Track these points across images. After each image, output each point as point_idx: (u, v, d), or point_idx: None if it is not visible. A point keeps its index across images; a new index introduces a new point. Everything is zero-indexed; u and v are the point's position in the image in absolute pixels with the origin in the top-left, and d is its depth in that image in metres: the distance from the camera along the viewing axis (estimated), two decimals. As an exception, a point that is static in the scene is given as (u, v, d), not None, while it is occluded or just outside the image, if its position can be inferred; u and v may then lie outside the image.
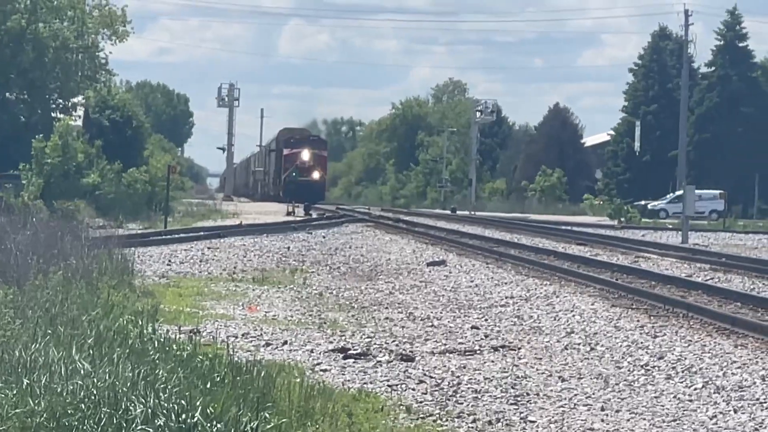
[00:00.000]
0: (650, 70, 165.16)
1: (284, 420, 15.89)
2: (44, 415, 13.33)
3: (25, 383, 14.62)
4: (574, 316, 36.24)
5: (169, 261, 51.01)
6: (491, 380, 25.38)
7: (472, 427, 20.94)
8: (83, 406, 13.87)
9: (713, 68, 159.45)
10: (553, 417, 21.84)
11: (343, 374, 25.49)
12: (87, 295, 28.08)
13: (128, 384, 14.92)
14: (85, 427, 13.24)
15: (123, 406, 14.08)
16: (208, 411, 14.26)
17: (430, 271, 51.18)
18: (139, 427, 13.59)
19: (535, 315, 36.49)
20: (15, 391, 14.07)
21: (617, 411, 22.55)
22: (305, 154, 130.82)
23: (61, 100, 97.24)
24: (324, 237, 74.02)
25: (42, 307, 23.52)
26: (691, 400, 23.49)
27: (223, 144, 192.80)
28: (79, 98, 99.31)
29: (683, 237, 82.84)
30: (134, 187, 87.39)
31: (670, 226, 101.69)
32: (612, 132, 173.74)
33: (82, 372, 15.40)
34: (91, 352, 17.87)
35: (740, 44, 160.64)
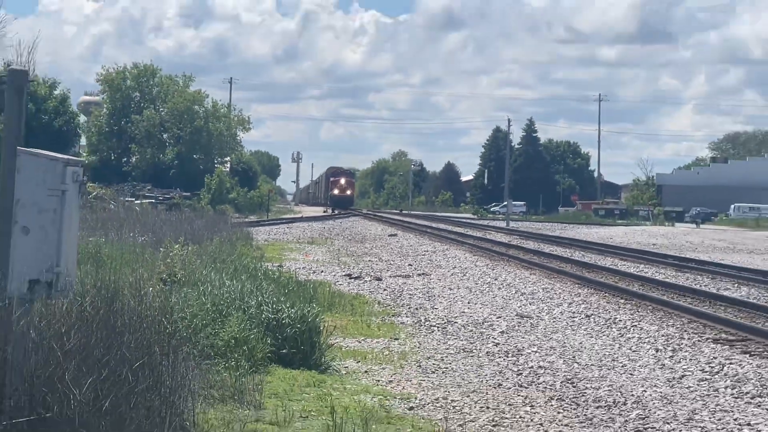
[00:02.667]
0: (492, 146, 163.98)
1: (320, 308, 15.81)
2: (208, 305, 13.28)
3: (200, 289, 14.58)
4: (456, 260, 36.14)
5: (269, 233, 50.83)
6: (417, 289, 25.32)
7: (408, 310, 20.82)
8: (228, 301, 13.82)
9: (521, 145, 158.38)
10: (445, 306, 21.75)
11: (348, 286, 25.41)
12: (230, 249, 28.04)
13: (248, 291, 14.89)
14: (228, 311, 13.20)
15: (246, 300, 14.03)
16: (285, 303, 14.23)
17: (389, 239, 51.04)
18: (253, 310, 13.52)
19: (438, 259, 36.38)
20: (196, 294, 14.00)
21: (475, 304, 22.46)
22: (343, 180, 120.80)
23: (219, 158, 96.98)
24: (341, 223, 73.78)
25: (209, 254, 23.48)
26: (509, 299, 23.39)
27: (294, 179, 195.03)
28: (227, 158, 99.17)
29: (507, 223, 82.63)
30: (253, 199, 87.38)
31: (501, 218, 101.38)
32: (474, 174, 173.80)
33: (227, 285, 15.40)
34: (232, 275, 17.84)
35: (533, 134, 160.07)
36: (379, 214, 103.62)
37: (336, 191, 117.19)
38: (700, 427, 11.20)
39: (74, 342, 7.72)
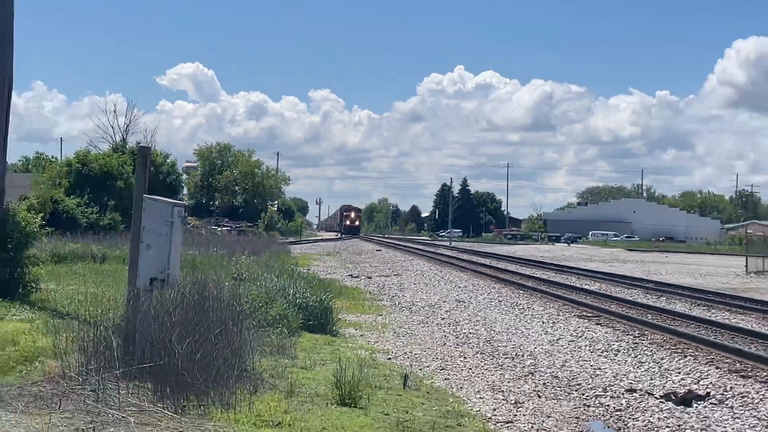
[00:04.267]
0: (441, 194, 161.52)
1: (332, 295, 15.79)
2: (263, 293, 13.24)
3: (257, 283, 14.52)
4: (418, 266, 36.01)
5: (301, 249, 50.67)
6: (393, 284, 25.26)
7: (388, 297, 20.74)
8: (274, 291, 13.78)
9: (459, 194, 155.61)
10: (411, 295, 21.72)
11: (350, 282, 25.29)
12: (276, 258, 27.89)
13: (288, 284, 14.85)
14: (275, 297, 13.16)
15: (287, 291, 13.99)
16: (310, 293, 14.19)
17: (376, 253, 50.97)
18: (290, 297, 13.49)
19: (408, 265, 36.28)
20: (255, 286, 13.95)
21: (429, 293, 22.39)
22: (353, 214, 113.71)
23: (270, 202, 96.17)
24: (346, 243, 73.65)
25: (263, 262, 23.39)
26: (450, 290, 23.32)
27: (317, 215, 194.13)
28: (275, 202, 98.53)
29: (450, 243, 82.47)
30: (291, 228, 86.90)
31: (447, 240, 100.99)
32: (429, 212, 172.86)
33: (274, 280, 15.28)
34: (278, 275, 17.73)
35: (467, 188, 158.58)
36: (370, 237, 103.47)
37: (347, 222, 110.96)
38: (569, 369, 11.24)
39: (177, 316, 7.73)
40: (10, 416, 6.21)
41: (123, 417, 6.30)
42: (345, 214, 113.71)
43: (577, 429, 8.05)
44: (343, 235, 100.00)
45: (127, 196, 46.50)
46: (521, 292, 23.35)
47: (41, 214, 15.96)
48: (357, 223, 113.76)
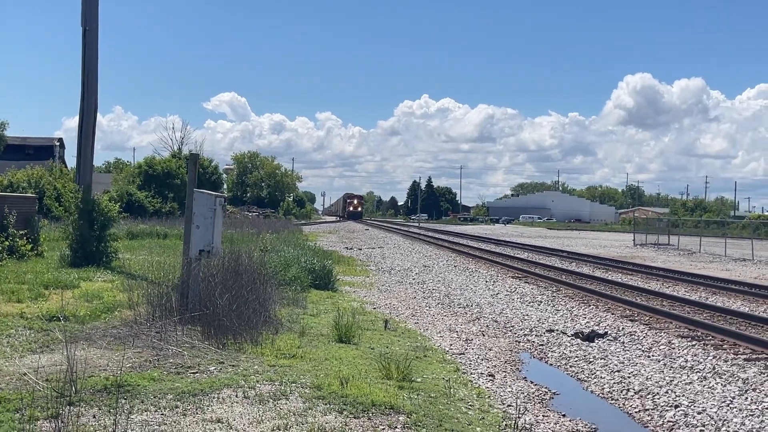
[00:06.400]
0: (412, 188, 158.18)
1: (333, 262, 15.66)
2: (282, 260, 13.14)
3: (278, 254, 14.37)
4: (395, 240, 35.79)
5: (310, 228, 50.18)
6: (377, 254, 25.10)
7: (373, 263, 20.66)
8: (291, 259, 13.68)
9: (425, 188, 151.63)
10: (390, 262, 21.63)
11: (346, 252, 25.09)
12: (292, 235, 27.63)
13: (300, 254, 14.75)
14: (290, 263, 13.06)
15: (299, 259, 13.90)
16: (317, 260, 14.10)
17: (365, 231, 50.68)
18: (301, 264, 13.40)
19: (388, 240, 36.01)
20: (276, 256, 13.83)
21: (404, 260, 22.28)
22: (355, 201, 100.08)
23: (287, 194, 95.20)
24: (343, 224, 73.22)
25: (282, 238, 23.19)
26: (419, 258, 23.21)
27: (322, 203, 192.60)
28: (291, 194, 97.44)
29: (418, 224, 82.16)
30: (303, 213, 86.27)
31: (416, 222, 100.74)
32: (404, 202, 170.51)
33: (290, 251, 15.10)
34: (293, 247, 17.44)
35: (431, 184, 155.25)
36: (361, 220, 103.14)
37: (351, 208, 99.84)
38: (505, 315, 11.27)
39: (219, 278, 7.67)
40: (97, 350, 6.29)
41: (179, 351, 6.32)
42: (348, 201, 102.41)
43: (510, 358, 8.11)
44: (347, 219, 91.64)
45: (182, 190, 46.14)
46: (470, 259, 23.37)
47: (119, 203, 15.85)
48: (360, 209, 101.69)
